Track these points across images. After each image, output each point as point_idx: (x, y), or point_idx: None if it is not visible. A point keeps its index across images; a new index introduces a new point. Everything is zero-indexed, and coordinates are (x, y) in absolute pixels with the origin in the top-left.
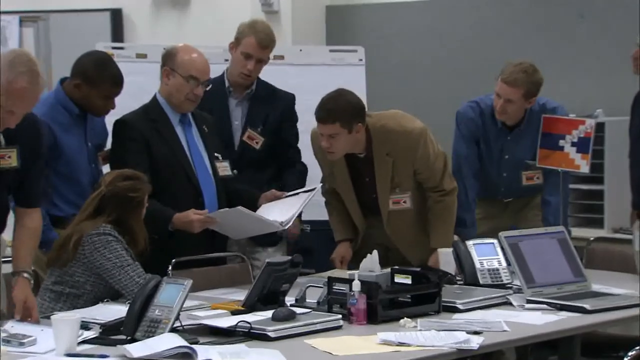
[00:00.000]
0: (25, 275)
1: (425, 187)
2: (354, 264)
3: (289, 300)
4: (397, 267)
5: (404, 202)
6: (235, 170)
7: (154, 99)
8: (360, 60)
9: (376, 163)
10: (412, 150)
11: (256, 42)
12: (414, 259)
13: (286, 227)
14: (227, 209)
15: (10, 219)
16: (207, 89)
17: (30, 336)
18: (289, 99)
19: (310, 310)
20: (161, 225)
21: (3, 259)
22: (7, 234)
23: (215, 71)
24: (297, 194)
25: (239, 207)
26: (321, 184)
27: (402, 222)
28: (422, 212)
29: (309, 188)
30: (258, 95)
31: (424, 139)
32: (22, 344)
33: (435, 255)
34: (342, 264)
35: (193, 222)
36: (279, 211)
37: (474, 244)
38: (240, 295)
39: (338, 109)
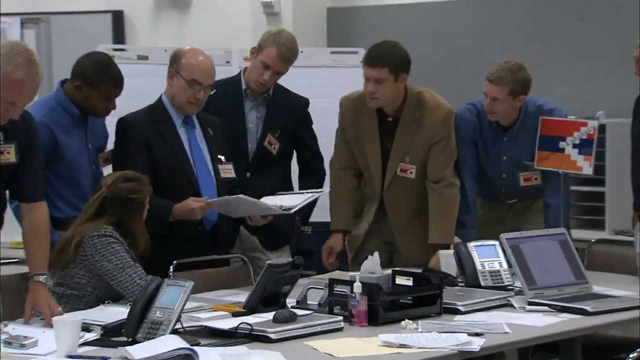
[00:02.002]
0: (40, 279)
1: (429, 175)
2: (359, 259)
3: (290, 302)
4: (398, 268)
5: (410, 172)
6: (248, 173)
7: (159, 99)
8: (362, 62)
9: (401, 125)
10: (437, 123)
11: (277, 55)
12: (412, 252)
13: (288, 212)
14: (227, 197)
15: (11, 220)
16: (212, 92)
17: (32, 338)
18: (304, 103)
19: (311, 312)
20: (162, 217)
21: (1, 261)
22: (6, 236)
23: (216, 73)
24: (302, 193)
25: (240, 195)
26: (330, 163)
27: (401, 194)
28: (422, 196)
29: (315, 190)
30: (275, 100)
31: (450, 117)
32: (23, 346)
33: (436, 256)
34: (329, 255)
35: (194, 209)
36: (280, 202)
37: (475, 246)
38: (241, 297)
39: (389, 53)
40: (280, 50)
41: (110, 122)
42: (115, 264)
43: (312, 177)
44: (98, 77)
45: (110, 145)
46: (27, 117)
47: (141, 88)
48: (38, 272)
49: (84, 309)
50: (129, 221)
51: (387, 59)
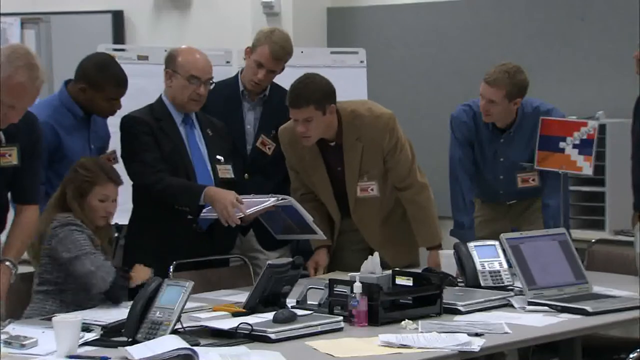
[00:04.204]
0: (7, 263)
1: (395, 182)
2: (334, 266)
3: (290, 302)
4: (397, 268)
5: (371, 189)
6: (246, 175)
7: (159, 99)
8: (362, 62)
9: (345, 148)
10: (381, 135)
11: (269, 53)
12: (387, 256)
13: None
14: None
15: (11, 220)
16: (211, 87)
17: (32, 338)
18: None
19: (311, 312)
20: (194, 195)
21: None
22: (6, 236)
23: (217, 73)
24: (268, 199)
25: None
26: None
27: (368, 211)
28: (389, 203)
29: (280, 196)
30: (271, 101)
31: (393, 124)
32: (23, 346)
33: (434, 254)
34: (316, 272)
35: (225, 200)
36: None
37: (475, 246)
38: (241, 297)
39: (309, 91)
40: (273, 49)
41: (112, 123)
42: (73, 253)
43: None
44: (101, 78)
45: (112, 146)
46: (31, 119)
47: (141, 88)
48: (7, 257)
49: (72, 300)
50: (83, 204)
51: (309, 98)
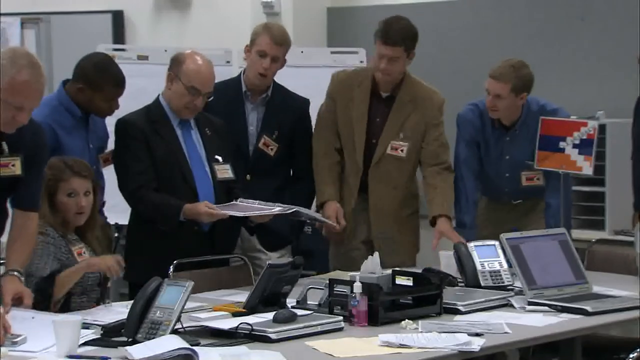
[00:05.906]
0: (15, 273)
1: (431, 159)
2: (343, 263)
3: (290, 301)
4: (398, 268)
5: (402, 150)
6: (248, 176)
7: (157, 100)
8: (362, 62)
9: (397, 102)
10: (431, 108)
11: (270, 39)
12: (384, 248)
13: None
14: (230, 203)
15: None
16: (209, 99)
17: (21, 335)
18: (304, 103)
19: (311, 311)
20: (171, 215)
21: (2, 261)
22: (5, 236)
23: (217, 73)
24: (272, 208)
25: (238, 202)
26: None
27: (388, 173)
28: (407, 183)
29: (286, 206)
30: (273, 101)
31: (443, 105)
32: (14, 343)
33: (444, 220)
34: (339, 222)
35: (201, 214)
36: (245, 210)
37: (475, 246)
38: (241, 297)
39: (405, 32)
40: (272, 35)
41: (111, 123)
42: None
43: (303, 186)
44: (100, 79)
45: (110, 145)
46: (37, 130)
47: (141, 88)
48: (14, 268)
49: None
50: (55, 203)
51: (404, 38)
